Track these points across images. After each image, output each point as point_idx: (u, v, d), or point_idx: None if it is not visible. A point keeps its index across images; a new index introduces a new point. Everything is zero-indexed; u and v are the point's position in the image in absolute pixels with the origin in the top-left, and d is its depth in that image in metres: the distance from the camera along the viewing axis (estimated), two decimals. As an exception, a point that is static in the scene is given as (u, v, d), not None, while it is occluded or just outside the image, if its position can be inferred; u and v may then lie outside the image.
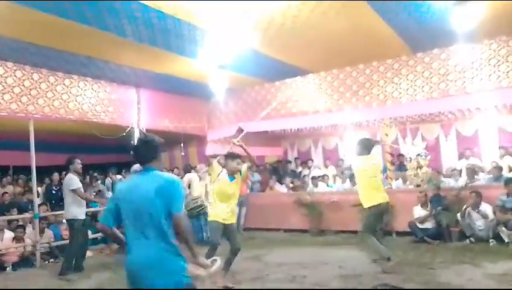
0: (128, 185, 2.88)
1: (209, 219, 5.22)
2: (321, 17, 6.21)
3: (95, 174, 11.82)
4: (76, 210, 6.43)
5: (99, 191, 10.51)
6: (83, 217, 6.56)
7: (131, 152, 2.99)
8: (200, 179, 8.98)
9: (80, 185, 6.58)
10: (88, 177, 11.74)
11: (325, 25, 6.46)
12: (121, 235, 2.79)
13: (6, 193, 9.36)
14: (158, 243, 2.56)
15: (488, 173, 8.69)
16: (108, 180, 11.53)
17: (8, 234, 7.32)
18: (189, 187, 8.99)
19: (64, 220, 7.28)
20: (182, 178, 9.49)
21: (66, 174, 6.74)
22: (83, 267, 6.57)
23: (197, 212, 8.50)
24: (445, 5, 5.90)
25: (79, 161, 6.68)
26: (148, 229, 2.57)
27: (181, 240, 2.63)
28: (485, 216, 7.16)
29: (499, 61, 7.47)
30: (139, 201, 2.62)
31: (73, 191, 6.37)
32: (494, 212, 7.17)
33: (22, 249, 7.25)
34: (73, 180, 6.45)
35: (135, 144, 3.09)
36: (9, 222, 7.70)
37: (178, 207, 2.64)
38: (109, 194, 10.46)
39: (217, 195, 5.39)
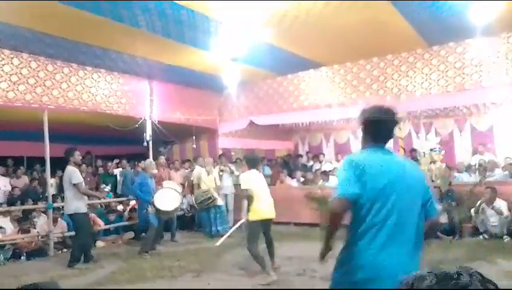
0: (380, 163, 2.25)
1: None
2: (335, 10, 6.14)
3: (110, 163, 11.88)
4: (78, 204, 6.36)
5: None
6: (85, 210, 6.51)
7: (370, 123, 2.37)
8: (208, 173, 8.97)
9: (81, 179, 6.48)
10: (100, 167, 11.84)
11: (339, 17, 6.40)
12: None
13: (17, 187, 9.46)
14: (413, 247, 2.19)
15: (503, 169, 8.56)
16: (119, 171, 11.60)
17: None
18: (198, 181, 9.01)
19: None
20: (192, 171, 9.53)
21: (66, 166, 6.54)
22: (92, 256, 6.60)
23: (207, 205, 8.59)
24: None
25: (78, 153, 6.63)
26: (413, 226, 2.20)
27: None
28: (499, 212, 7.07)
29: (516, 55, 7.33)
30: (408, 190, 2.19)
31: (75, 185, 6.29)
32: (509, 209, 7.07)
33: (35, 238, 7.34)
34: (74, 174, 6.34)
35: (378, 113, 2.38)
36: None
37: (436, 209, 2.29)
38: (106, 188, 10.47)
39: None
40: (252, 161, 5.92)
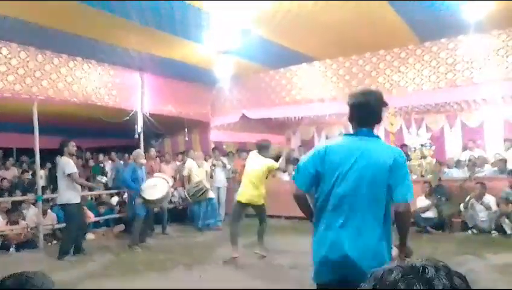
0: (344, 147, 2.35)
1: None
2: (328, 4, 6.13)
3: (101, 155, 11.82)
4: (71, 195, 6.34)
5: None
6: (77, 201, 6.47)
7: (351, 107, 2.38)
8: (199, 166, 8.96)
9: (76, 169, 6.46)
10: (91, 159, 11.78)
11: (332, 11, 6.38)
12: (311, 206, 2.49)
13: (5, 178, 9.38)
14: (374, 228, 2.25)
15: (492, 165, 8.66)
16: (108, 163, 11.56)
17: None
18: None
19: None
20: (184, 164, 9.50)
21: (60, 157, 6.54)
22: (83, 249, 6.57)
23: (199, 197, 8.57)
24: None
25: (73, 144, 6.58)
26: (364, 208, 2.24)
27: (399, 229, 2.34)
28: (488, 208, 7.17)
29: (507, 52, 7.37)
30: (365, 172, 2.24)
31: (69, 175, 6.28)
32: (498, 204, 7.17)
33: (24, 230, 7.27)
34: (68, 165, 6.33)
35: (360, 96, 2.39)
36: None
37: (407, 194, 2.26)
38: (103, 179, 10.41)
39: None
40: (257, 144, 6.34)
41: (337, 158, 2.31)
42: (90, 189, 8.72)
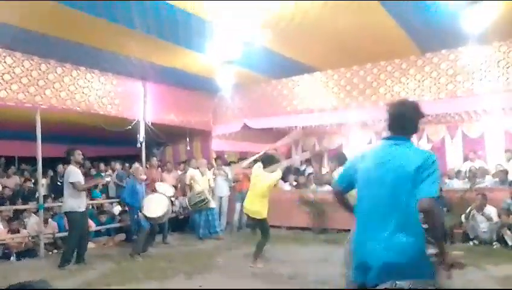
0: (377, 152, 2.49)
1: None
2: (331, 15, 6.18)
3: (101, 164, 11.82)
4: (74, 203, 6.36)
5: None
6: (81, 209, 6.47)
7: (387, 116, 2.53)
8: (202, 174, 8.98)
9: (79, 178, 6.47)
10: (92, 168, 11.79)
11: (334, 22, 6.44)
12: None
13: (7, 187, 9.39)
14: (401, 230, 2.28)
15: (493, 176, 8.65)
16: (109, 173, 11.55)
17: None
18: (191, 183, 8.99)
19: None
20: (185, 173, 9.51)
21: (66, 166, 6.64)
22: (84, 259, 6.55)
23: (200, 207, 8.57)
24: (455, 6, 5.85)
25: (79, 152, 6.63)
26: (390, 212, 2.30)
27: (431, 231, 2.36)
28: (489, 219, 7.15)
29: (508, 63, 7.41)
30: (392, 176, 2.31)
31: (72, 183, 6.31)
32: (499, 215, 7.15)
33: (25, 239, 7.27)
34: (72, 173, 6.38)
35: (398, 107, 2.55)
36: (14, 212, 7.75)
37: (431, 189, 2.26)
38: (108, 178, 10.36)
39: None
40: (262, 158, 6.49)
41: (369, 163, 2.47)
42: (95, 189, 8.71)
